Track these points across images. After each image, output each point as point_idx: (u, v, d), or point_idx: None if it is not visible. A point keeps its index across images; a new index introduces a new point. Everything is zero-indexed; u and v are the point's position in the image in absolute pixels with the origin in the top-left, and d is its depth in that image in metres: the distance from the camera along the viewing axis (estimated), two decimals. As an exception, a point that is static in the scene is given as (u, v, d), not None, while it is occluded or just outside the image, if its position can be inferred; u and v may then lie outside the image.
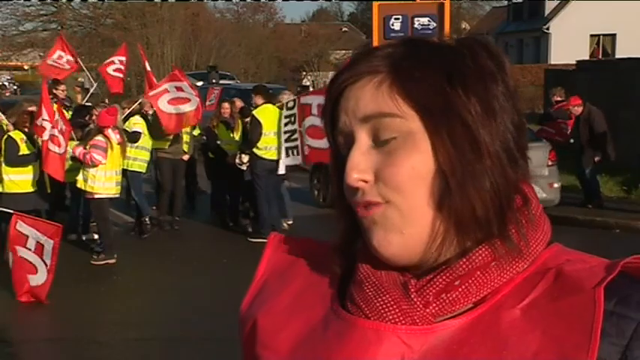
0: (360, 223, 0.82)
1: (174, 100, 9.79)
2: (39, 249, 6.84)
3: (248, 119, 9.74)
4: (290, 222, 10.28)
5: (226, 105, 10.77)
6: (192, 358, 5.73)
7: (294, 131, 9.24)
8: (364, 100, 0.79)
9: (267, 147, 9.41)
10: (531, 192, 0.83)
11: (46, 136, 7.88)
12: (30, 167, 8.22)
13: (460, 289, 0.78)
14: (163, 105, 9.75)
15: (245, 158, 9.61)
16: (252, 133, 9.37)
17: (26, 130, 8.22)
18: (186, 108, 9.82)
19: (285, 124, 9.31)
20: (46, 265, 6.83)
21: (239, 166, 9.69)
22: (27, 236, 6.86)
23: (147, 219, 9.95)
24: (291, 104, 9.38)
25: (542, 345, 0.73)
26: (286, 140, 9.28)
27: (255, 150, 9.41)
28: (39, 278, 6.88)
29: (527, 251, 0.79)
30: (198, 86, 20.02)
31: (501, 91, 0.79)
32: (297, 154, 9.25)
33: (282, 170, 9.80)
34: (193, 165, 11.88)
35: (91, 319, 6.71)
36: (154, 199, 10.79)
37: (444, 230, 0.77)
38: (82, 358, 5.92)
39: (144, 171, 10.02)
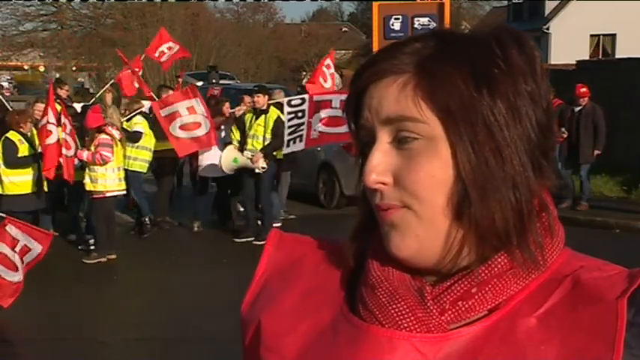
0: (380, 226, 0.81)
1: (185, 125, 9.49)
2: (23, 250, 6.80)
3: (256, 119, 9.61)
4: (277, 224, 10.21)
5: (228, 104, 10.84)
6: (192, 358, 5.73)
7: (300, 124, 9.25)
8: (387, 101, 0.78)
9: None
10: (548, 197, 0.81)
11: (52, 139, 7.80)
12: (29, 168, 8.20)
13: (477, 297, 0.77)
14: (175, 131, 9.48)
15: (267, 161, 9.28)
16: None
17: (22, 130, 8.18)
18: (199, 132, 9.50)
19: (290, 119, 9.27)
20: (23, 263, 6.77)
21: (262, 170, 9.25)
22: (18, 240, 6.83)
23: (147, 219, 9.96)
24: (297, 102, 9.37)
25: (560, 355, 0.72)
26: (289, 134, 9.25)
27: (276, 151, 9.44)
28: (14, 275, 6.78)
29: (542, 260, 0.78)
30: (199, 86, 20.05)
31: (529, 90, 0.76)
32: (301, 141, 9.26)
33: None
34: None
35: (91, 319, 6.71)
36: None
37: (461, 238, 0.76)
38: (82, 357, 5.91)
39: (144, 171, 10.01)
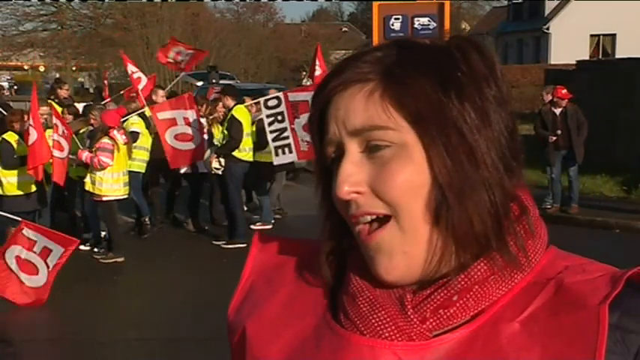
0: (363, 249, 0.79)
1: (180, 135, 9.38)
2: (45, 253, 6.87)
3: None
4: (267, 226, 10.08)
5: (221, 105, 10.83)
6: (192, 358, 5.73)
7: (283, 129, 9.12)
8: (355, 111, 0.76)
9: (244, 148, 9.32)
10: (528, 198, 0.81)
11: (31, 140, 7.74)
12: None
13: (458, 304, 0.76)
14: (170, 138, 9.38)
15: (222, 161, 9.29)
16: (237, 134, 9.17)
17: (16, 129, 8.14)
18: (191, 145, 9.40)
19: (270, 124, 9.16)
20: (48, 267, 6.86)
21: (216, 171, 9.34)
22: (35, 241, 6.89)
23: (147, 219, 9.97)
24: (273, 103, 9.23)
25: None
26: (274, 139, 9.13)
27: (233, 152, 9.27)
28: (38, 280, 6.90)
29: (526, 262, 0.77)
30: (198, 86, 20.01)
31: (494, 94, 0.77)
32: (291, 151, 9.13)
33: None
34: None
35: (92, 319, 6.71)
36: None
37: (442, 245, 0.75)
38: (83, 358, 5.91)
39: (143, 171, 10.01)
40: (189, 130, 9.42)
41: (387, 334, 0.77)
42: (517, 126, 0.80)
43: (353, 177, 0.76)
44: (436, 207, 0.75)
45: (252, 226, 9.86)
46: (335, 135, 0.78)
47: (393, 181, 0.75)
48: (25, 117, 8.22)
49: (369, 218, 0.77)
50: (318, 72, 10.35)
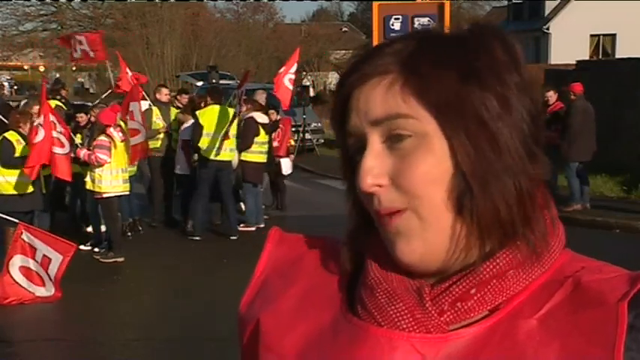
0: (382, 232, 0.79)
1: (131, 130, 9.26)
2: (45, 262, 6.93)
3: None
4: (250, 228, 10.08)
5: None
6: (192, 358, 5.73)
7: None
8: (375, 102, 0.77)
9: (209, 148, 9.47)
10: (548, 196, 0.81)
11: (37, 139, 7.76)
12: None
13: (476, 298, 0.76)
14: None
15: (195, 157, 9.88)
16: (192, 133, 9.58)
17: (21, 130, 8.15)
18: (137, 140, 9.25)
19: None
20: (51, 280, 7.00)
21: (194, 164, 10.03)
22: (35, 249, 6.93)
23: (136, 219, 10.10)
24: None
25: (560, 359, 0.72)
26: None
27: (200, 151, 9.55)
28: (46, 291, 7.07)
29: (547, 256, 0.77)
30: (198, 86, 19.99)
31: (516, 82, 0.77)
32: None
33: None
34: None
35: (91, 319, 6.71)
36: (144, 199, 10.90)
37: (466, 233, 0.75)
38: (82, 358, 5.91)
39: (133, 173, 10.01)
40: (133, 125, 9.34)
41: (404, 326, 0.77)
42: (541, 112, 0.80)
43: (375, 169, 0.77)
44: (459, 196, 0.75)
45: (239, 227, 9.90)
46: (356, 126, 0.79)
47: (413, 172, 0.75)
48: (35, 115, 8.28)
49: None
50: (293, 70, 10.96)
